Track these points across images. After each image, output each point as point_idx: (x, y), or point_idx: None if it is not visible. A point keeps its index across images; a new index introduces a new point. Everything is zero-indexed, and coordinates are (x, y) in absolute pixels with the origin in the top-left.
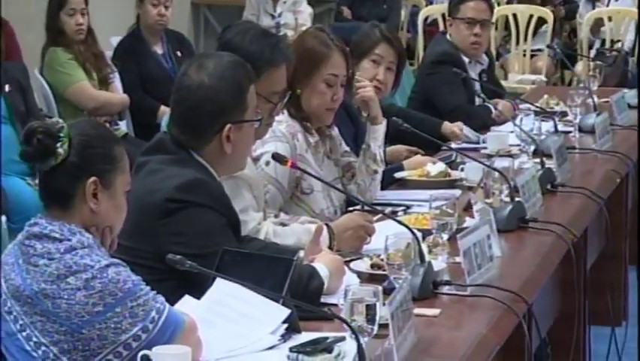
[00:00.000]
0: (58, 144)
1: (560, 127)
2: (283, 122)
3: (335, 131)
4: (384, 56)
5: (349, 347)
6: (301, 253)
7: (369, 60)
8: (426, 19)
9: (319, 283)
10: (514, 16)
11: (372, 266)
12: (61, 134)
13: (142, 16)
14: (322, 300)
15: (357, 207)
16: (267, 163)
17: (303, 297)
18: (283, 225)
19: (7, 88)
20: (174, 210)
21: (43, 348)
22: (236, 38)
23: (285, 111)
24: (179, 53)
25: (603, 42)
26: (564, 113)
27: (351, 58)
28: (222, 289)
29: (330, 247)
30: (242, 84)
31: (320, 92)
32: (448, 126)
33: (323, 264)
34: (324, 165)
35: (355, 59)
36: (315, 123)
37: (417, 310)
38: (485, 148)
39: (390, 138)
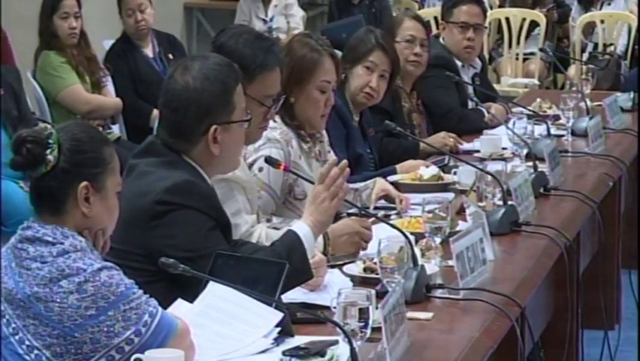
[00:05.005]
0: (48, 151)
1: (553, 130)
2: (277, 128)
3: (325, 137)
4: (379, 63)
5: (342, 350)
6: None
7: (363, 67)
8: None
9: (301, 253)
10: (507, 19)
11: (365, 270)
12: (51, 141)
13: (124, 26)
14: (313, 302)
15: (354, 210)
16: (261, 169)
17: (289, 277)
18: (276, 228)
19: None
20: (163, 213)
21: (35, 352)
22: (230, 42)
23: (279, 118)
24: (171, 56)
25: (596, 45)
26: (557, 117)
27: (345, 62)
28: (215, 292)
29: (325, 253)
30: (227, 84)
31: (314, 99)
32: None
33: (305, 223)
34: (314, 168)
35: (349, 63)
36: (308, 130)
37: (410, 314)
38: (478, 151)
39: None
